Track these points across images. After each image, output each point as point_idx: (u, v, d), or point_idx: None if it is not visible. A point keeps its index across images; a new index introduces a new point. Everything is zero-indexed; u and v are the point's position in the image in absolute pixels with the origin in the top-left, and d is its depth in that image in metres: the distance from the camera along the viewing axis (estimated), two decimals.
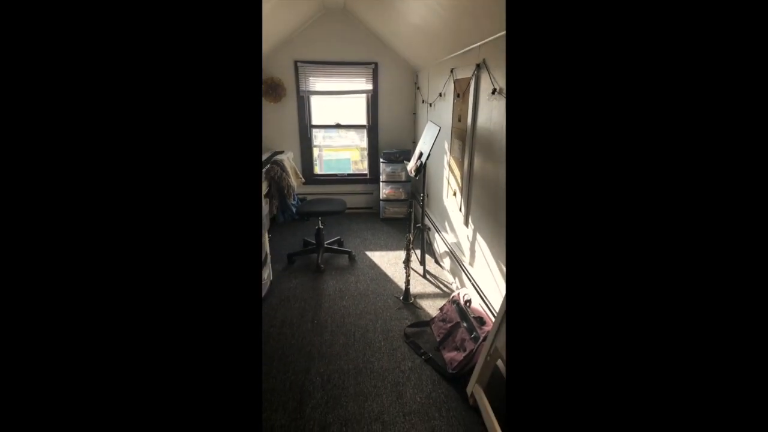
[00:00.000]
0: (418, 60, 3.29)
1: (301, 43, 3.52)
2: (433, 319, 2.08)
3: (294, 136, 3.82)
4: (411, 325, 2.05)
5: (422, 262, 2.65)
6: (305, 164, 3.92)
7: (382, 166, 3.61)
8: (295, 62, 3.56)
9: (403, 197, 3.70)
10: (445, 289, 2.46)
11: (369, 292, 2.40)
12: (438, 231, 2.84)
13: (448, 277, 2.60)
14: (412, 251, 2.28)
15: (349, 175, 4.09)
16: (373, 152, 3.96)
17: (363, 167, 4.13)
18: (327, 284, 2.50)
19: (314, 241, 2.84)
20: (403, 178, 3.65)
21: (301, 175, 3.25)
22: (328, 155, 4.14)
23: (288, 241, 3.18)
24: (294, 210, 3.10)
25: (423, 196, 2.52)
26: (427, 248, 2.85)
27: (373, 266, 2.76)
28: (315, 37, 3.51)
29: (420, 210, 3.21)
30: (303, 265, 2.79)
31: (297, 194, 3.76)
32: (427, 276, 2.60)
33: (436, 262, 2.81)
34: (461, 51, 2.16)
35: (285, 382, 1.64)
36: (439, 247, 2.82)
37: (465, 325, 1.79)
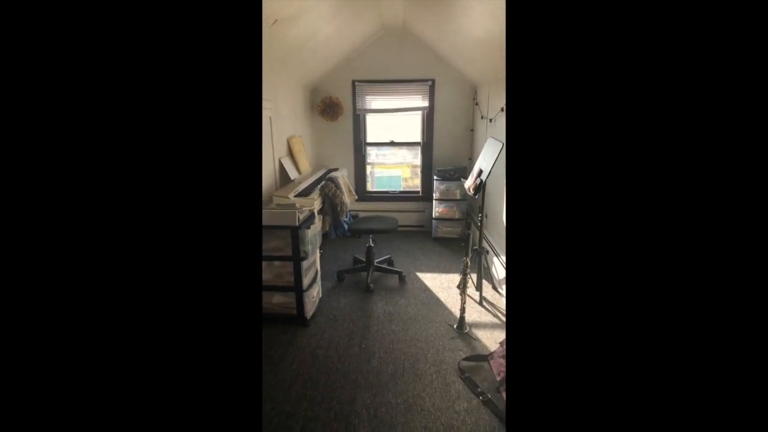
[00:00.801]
0: (478, 75, 3.16)
1: (360, 62, 3.58)
2: (492, 353, 1.86)
3: (349, 153, 3.86)
4: (466, 359, 1.86)
5: (479, 287, 2.44)
6: (358, 181, 3.93)
7: (435, 183, 3.48)
8: (353, 81, 3.63)
9: (457, 216, 3.53)
10: (504, 319, 2.22)
11: (420, 317, 2.25)
12: (497, 255, 2.62)
13: None
14: (469, 276, 2.10)
15: (401, 192, 4.02)
16: (427, 169, 3.85)
17: (414, 184, 4.04)
18: (376, 305, 2.40)
19: (364, 259, 2.77)
20: (458, 196, 3.48)
21: (354, 192, 3.25)
22: (380, 172, 4.13)
23: (339, 258, 3.17)
24: (346, 227, 3.09)
25: (481, 217, 2.35)
26: (485, 273, 2.63)
27: (425, 289, 2.61)
28: (373, 56, 3.56)
29: (477, 231, 3.03)
30: (352, 283, 2.73)
31: (349, 211, 3.77)
32: (484, 303, 2.39)
33: (495, 288, 2.59)
34: None
35: (330, 411, 1.55)
36: (498, 272, 2.59)
37: None
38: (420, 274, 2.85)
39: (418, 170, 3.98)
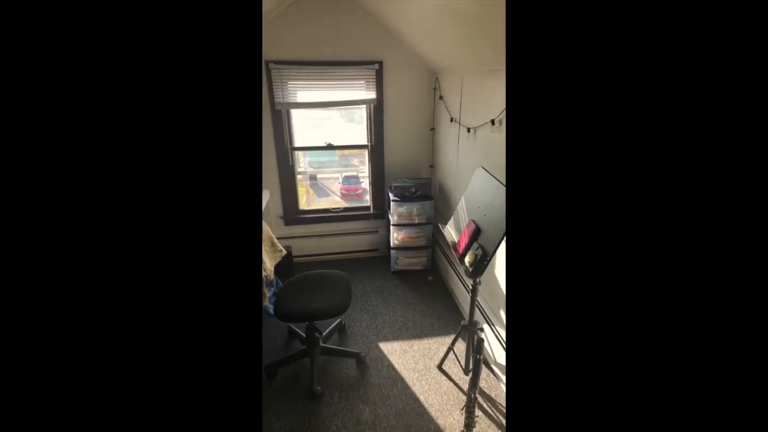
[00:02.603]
0: (442, 59, 2.30)
1: (273, 35, 2.47)
2: None
3: (269, 165, 2.81)
4: None
5: (473, 383, 1.74)
6: (287, 198, 2.93)
7: (393, 204, 2.65)
8: (266, 63, 2.52)
9: (422, 243, 2.77)
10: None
11: None
12: (491, 325, 1.93)
13: None
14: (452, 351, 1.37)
15: (345, 209, 3.12)
16: (378, 178, 2.99)
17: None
18: (327, 427, 1.59)
19: (305, 336, 1.91)
20: (423, 220, 2.71)
21: (278, 244, 2.14)
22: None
23: (267, 335, 2.21)
24: (271, 308, 2.14)
25: (474, 285, 1.60)
26: (479, 353, 1.94)
27: (395, 379, 1.86)
28: (292, 26, 2.46)
29: (447, 267, 2.31)
30: (289, 381, 1.86)
31: (279, 247, 2.79)
32: (484, 400, 1.71)
33: (496, 376, 1.91)
34: None
35: None
36: (494, 351, 1.92)
37: None
38: (384, 346, 2.08)
39: (366, 180, 3.10)
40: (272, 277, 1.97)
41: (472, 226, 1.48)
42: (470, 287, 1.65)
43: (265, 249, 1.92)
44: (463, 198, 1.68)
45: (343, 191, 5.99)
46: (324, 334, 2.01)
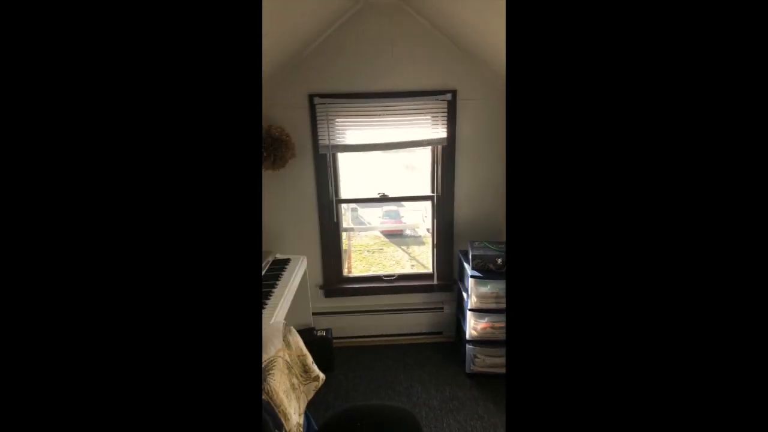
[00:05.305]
0: None
1: (320, 64, 1.98)
2: None
3: (308, 223, 2.22)
4: None
5: None
6: (328, 263, 2.29)
7: (471, 282, 1.89)
8: (310, 97, 2.01)
9: None
10: None
11: None
12: None
13: None
14: None
15: (401, 276, 2.41)
16: (445, 239, 2.27)
17: (423, 260, 2.45)
18: None
19: None
20: None
21: (315, 369, 1.29)
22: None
23: None
24: None
25: None
26: None
27: None
28: (343, 53, 1.96)
29: None
30: None
31: (313, 327, 2.11)
32: None
33: None
34: None
35: None
36: None
37: None
38: None
39: (428, 241, 2.39)
40: (301, 425, 1.17)
41: None
42: None
43: (290, 382, 1.18)
44: None
45: (384, 226, 5.85)
46: None
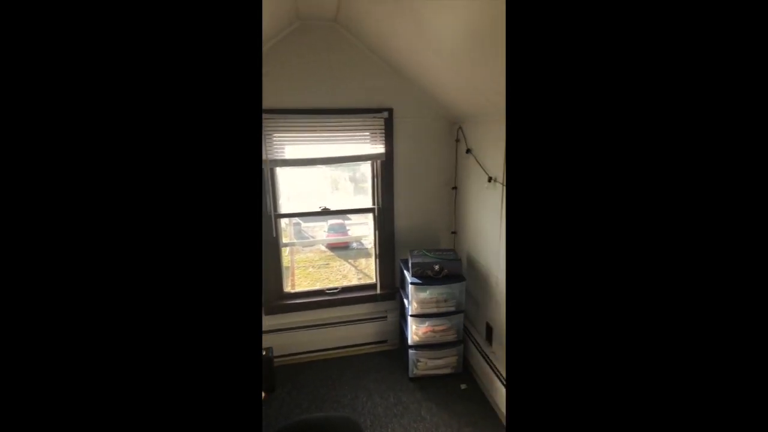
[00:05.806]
0: (468, 105, 1.80)
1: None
2: None
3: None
4: None
5: None
6: (269, 279, 2.24)
7: (411, 289, 1.98)
8: None
9: (452, 338, 2.06)
10: None
11: None
12: None
13: None
14: None
15: (344, 288, 2.43)
16: (387, 249, 2.35)
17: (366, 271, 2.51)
18: None
19: None
20: (451, 307, 2.03)
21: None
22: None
23: None
24: None
25: None
26: None
27: None
28: (283, 69, 1.99)
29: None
30: None
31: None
32: None
33: None
34: None
35: None
36: None
37: None
38: None
39: (372, 253, 2.46)
40: None
41: None
42: None
43: None
44: None
45: (329, 239, 5.89)
46: None
